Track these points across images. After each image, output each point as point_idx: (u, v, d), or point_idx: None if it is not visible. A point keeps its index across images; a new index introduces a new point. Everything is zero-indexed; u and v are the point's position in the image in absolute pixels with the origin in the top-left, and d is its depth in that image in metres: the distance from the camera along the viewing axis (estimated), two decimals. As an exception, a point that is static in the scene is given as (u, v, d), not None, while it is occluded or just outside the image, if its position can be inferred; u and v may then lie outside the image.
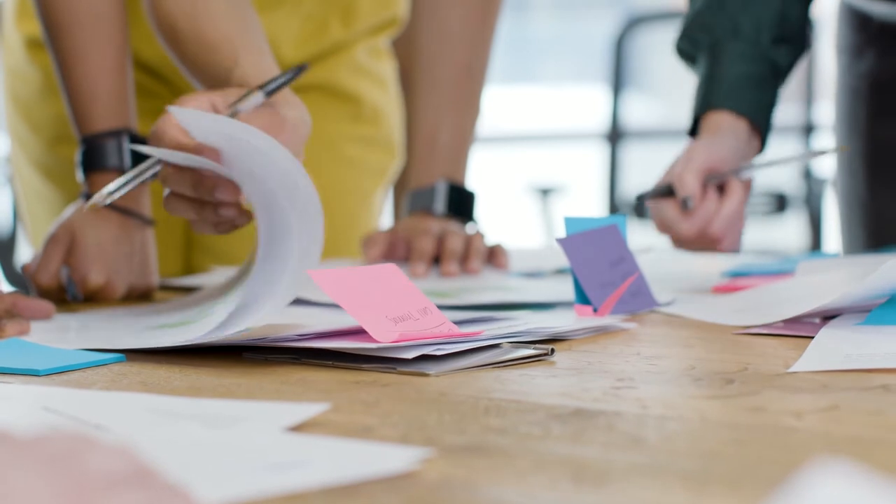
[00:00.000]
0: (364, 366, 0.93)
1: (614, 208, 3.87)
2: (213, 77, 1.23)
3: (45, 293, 1.30)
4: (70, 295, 1.31)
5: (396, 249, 1.55)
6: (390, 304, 0.98)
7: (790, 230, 3.96)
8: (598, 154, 4.15)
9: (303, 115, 1.18)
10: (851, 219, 1.70)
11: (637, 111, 4.06)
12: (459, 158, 1.62)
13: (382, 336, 0.94)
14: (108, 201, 1.15)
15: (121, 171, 1.31)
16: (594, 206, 4.00)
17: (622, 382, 0.88)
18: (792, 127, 3.85)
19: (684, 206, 1.39)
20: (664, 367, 0.95)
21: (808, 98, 3.92)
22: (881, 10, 1.61)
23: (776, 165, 1.46)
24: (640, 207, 1.43)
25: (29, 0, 1.58)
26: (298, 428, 0.75)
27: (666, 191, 1.42)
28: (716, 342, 1.05)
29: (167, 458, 0.65)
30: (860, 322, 1.05)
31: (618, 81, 4.04)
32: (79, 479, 0.52)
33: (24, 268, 1.32)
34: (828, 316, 1.10)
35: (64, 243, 1.30)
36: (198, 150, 1.11)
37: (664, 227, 1.43)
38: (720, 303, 1.22)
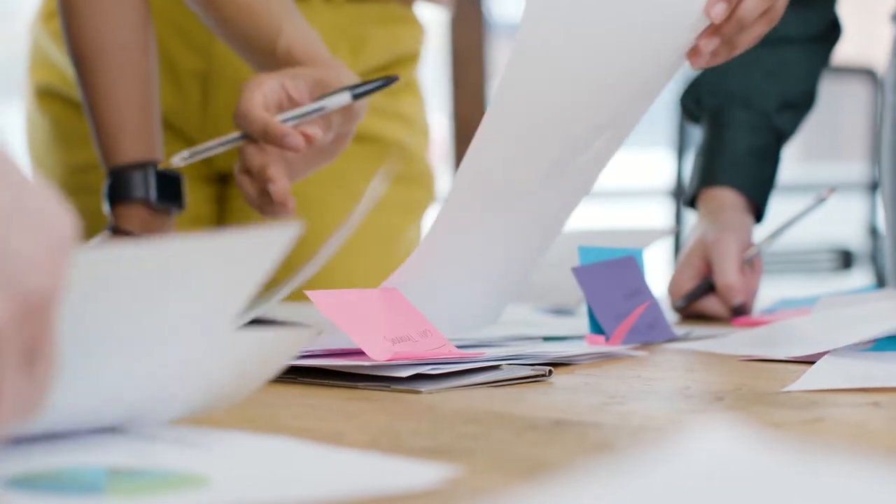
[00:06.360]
0: (359, 384, 0.94)
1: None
2: (257, 46, 1.26)
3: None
4: None
5: None
6: (389, 326, 0.98)
7: (856, 286, 3.91)
8: (664, 210, 4.15)
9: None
10: None
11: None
12: None
13: (377, 354, 0.94)
14: (189, 162, 1.22)
15: (147, 203, 1.31)
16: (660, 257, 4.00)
17: (612, 400, 0.88)
18: (856, 184, 3.82)
19: (738, 310, 1.41)
20: (659, 387, 0.95)
21: (875, 155, 3.89)
22: None
23: (786, 230, 1.46)
24: (683, 309, 1.45)
25: (42, 50, 1.60)
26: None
27: (706, 289, 1.43)
28: (719, 366, 1.05)
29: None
30: (865, 349, 1.04)
31: (682, 140, 4.04)
32: None
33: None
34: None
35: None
36: (282, 133, 1.18)
37: (701, 310, 1.45)
38: (736, 337, 1.21)
